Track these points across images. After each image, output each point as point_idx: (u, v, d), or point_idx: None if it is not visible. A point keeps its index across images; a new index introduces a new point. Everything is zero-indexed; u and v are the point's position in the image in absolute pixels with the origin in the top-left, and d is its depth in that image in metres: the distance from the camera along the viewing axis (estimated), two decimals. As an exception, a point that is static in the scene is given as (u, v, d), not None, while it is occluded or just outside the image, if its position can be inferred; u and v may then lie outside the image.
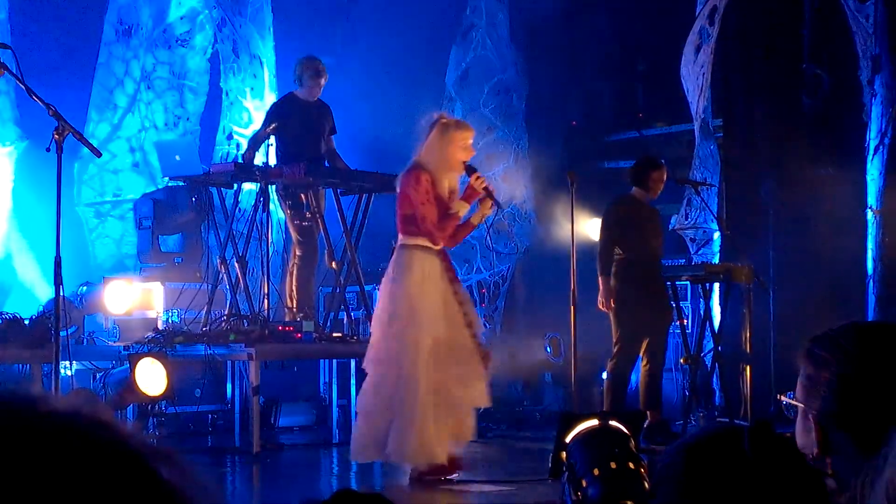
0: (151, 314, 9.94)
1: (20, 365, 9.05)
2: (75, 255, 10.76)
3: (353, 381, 9.75)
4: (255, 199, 9.49)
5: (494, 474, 7.42)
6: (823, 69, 10.87)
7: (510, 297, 13.01)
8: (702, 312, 9.98)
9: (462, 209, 7.30)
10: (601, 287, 9.23)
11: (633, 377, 9.49)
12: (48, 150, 6.38)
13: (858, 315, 9.62)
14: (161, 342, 8.81)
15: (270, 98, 12.11)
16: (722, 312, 10.07)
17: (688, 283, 10.52)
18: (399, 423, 7.00)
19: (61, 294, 6.54)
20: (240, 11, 12.22)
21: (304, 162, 9.36)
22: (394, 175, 9.69)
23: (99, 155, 6.95)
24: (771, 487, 1.64)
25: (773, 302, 10.63)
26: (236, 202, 10.00)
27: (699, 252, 11.29)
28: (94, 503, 0.92)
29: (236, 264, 9.61)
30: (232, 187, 9.86)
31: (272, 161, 9.41)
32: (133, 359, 8.23)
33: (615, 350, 9.28)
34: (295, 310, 9.76)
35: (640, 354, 9.33)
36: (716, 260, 10.78)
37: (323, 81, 9.90)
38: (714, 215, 10.81)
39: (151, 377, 8.20)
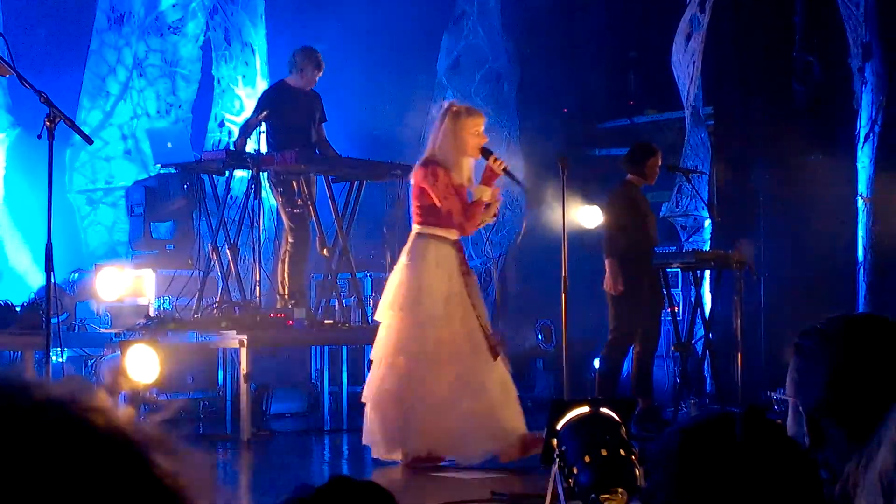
0: (143, 301, 9.94)
1: (11, 352, 9.06)
2: (67, 242, 10.76)
3: (344, 367, 9.77)
4: (247, 187, 9.48)
5: (486, 461, 7.42)
6: (814, 57, 10.87)
7: (502, 284, 13.01)
8: (692, 300, 9.98)
9: (485, 194, 7.32)
10: (608, 269, 9.18)
11: (626, 365, 9.50)
12: (39, 137, 6.37)
13: (849, 302, 9.65)
14: (153, 329, 8.81)
15: (262, 85, 12.10)
16: (713, 300, 10.08)
17: (678, 270, 10.52)
18: (415, 415, 7.02)
19: (53, 281, 6.53)
20: (232, -1, 12.22)
21: (295, 149, 9.36)
22: (385, 162, 9.76)
23: (91, 142, 6.92)
24: (764, 472, 1.66)
25: (763, 289, 10.65)
26: (228, 189, 9.98)
27: (690, 239, 11.30)
28: (91, 490, 0.93)
29: (228, 251, 9.60)
30: (224, 174, 9.84)
31: (264, 148, 9.40)
32: (124, 345, 8.24)
33: (612, 335, 9.27)
34: (287, 297, 9.75)
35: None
36: (706, 247, 10.79)
37: (320, 73, 9.93)
38: (705, 203, 10.82)
39: (143, 364, 8.20)
